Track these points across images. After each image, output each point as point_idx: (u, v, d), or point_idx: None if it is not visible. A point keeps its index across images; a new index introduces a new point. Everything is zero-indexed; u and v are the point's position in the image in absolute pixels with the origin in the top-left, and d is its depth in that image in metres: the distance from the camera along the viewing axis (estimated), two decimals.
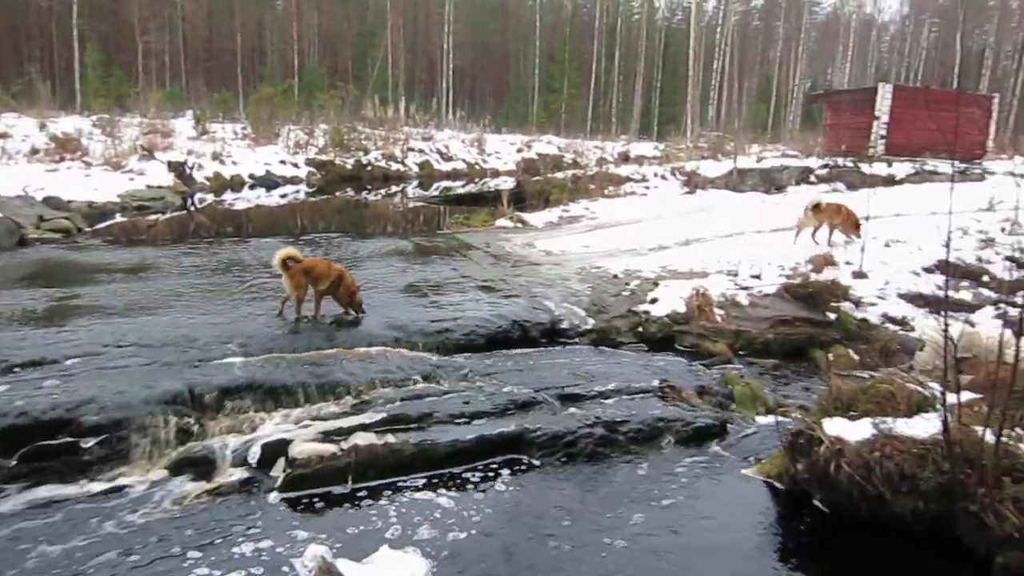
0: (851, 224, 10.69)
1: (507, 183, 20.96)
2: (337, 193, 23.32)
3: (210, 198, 20.26)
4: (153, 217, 15.71)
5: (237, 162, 24.07)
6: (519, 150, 35.82)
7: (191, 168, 20.97)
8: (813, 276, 9.09)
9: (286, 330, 6.65)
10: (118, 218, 15.40)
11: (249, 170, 23.93)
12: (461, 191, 23.62)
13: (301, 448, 4.84)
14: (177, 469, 4.80)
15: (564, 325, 7.74)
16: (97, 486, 4.60)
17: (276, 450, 4.92)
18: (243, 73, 55.23)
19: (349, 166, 27.69)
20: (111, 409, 4.90)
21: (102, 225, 14.24)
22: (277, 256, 6.78)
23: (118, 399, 5.00)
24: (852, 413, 4.97)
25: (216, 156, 23.53)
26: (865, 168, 20.72)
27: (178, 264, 9.28)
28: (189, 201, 18.80)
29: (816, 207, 10.87)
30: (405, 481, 4.83)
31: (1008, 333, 5.07)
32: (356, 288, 7.10)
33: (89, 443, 4.72)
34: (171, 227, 14.76)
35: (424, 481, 4.85)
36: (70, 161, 18.68)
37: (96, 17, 51.78)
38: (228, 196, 21.14)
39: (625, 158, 34.06)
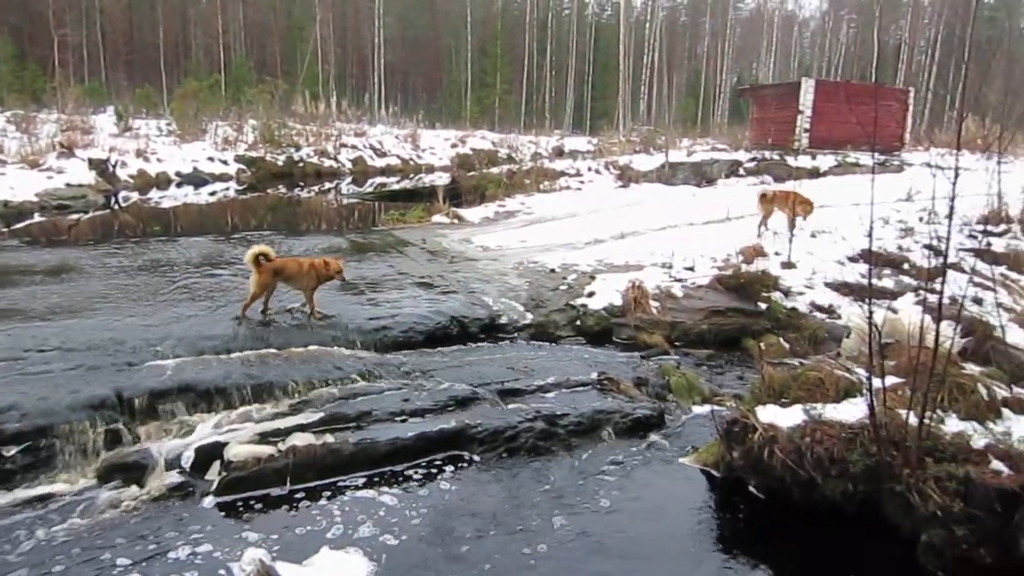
0: (806, 206, 10.93)
1: (442, 179, 20.85)
2: (269, 190, 22.89)
3: (135, 197, 19.64)
4: (75, 217, 15.18)
5: (163, 159, 23.40)
6: (453, 145, 35.71)
7: (114, 166, 20.29)
8: (744, 267, 9.31)
9: (219, 331, 6.48)
10: (37, 218, 14.84)
11: (176, 167, 23.29)
12: (396, 187, 23.41)
13: (237, 450, 4.73)
14: (107, 476, 4.64)
15: (503, 320, 7.75)
16: (21, 495, 4.42)
17: (211, 453, 4.80)
18: (167, 68, 53.53)
19: (280, 163, 27.18)
20: (34, 416, 4.71)
21: (20, 225, 13.70)
22: (250, 252, 6.65)
23: (41, 405, 4.81)
24: (784, 400, 5.11)
25: (140, 153, 22.83)
26: (791, 161, 21.35)
27: (103, 265, 8.95)
28: (113, 200, 18.20)
29: (763, 196, 11.15)
30: (345, 481, 4.77)
31: (928, 319, 5.29)
32: (340, 269, 6.97)
33: (11, 451, 4.53)
34: (94, 227, 14.28)
35: (364, 480, 4.80)
36: None
37: (7, 8, 49.56)
38: (154, 194, 20.53)
39: (559, 153, 34.33)
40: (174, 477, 4.69)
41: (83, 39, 51.60)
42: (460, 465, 5.07)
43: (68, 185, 17.51)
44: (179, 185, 22.45)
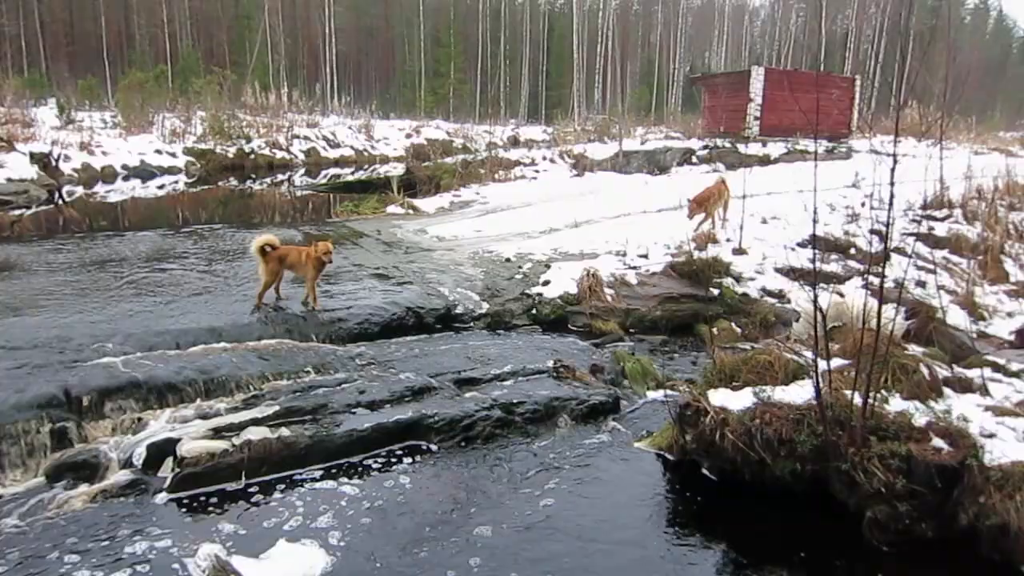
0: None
1: (397, 169, 20.71)
2: (219, 183, 22.56)
3: (80, 191, 19.17)
4: (17, 212, 14.75)
5: (108, 152, 22.86)
6: (408, 136, 35.52)
7: (57, 159, 19.73)
8: (697, 254, 9.44)
9: (169, 326, 6.37)
10: None
11: (122, 160, 22.78)
12: (350, 178, 23.21)
13: (190, 446, 4.67)
14: (55, 475, 4.56)
15: (459, 310, 7.76)
16: None
17: (163, 450, 4.73)
18: (110, 58, 52.24)
19: (231, 155, 26.78)
20: None
21: None
22: (255, 242, 6.74)
23: None
24: (735, 384, 5.22)
25: (85, 146, 22.27)
26: (742, 148, 21.65)
27: (47, 262, 8.72)
28: (57, 194, 17.70)
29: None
30: (301, 474, 4.75)
31: (873, 302, 5.44)
32: (328, 250, 6.91)
33: None
34: (38, 223, 13.91)
35: (321, 473, 4.78)
36: None
37: None
38: (100, 188, 20.06)
39: (515, 142, 34.37)
40: (126, 475, 4.63)
41: (21, 29, 50.07)
42: (417, 455, 5.09)
43: (9, 180, 16.96)
44: (126, 179, 21.97)
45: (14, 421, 4.67)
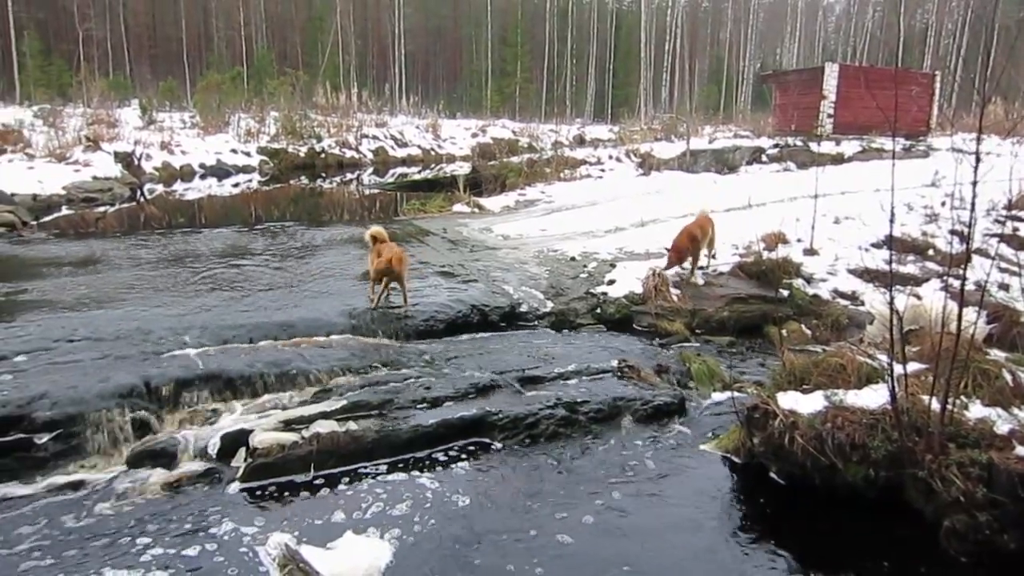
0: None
1: (463, 168, 20.89)
2: (291, 181, 23.11)
3: (160, 189, 19.91)
4: (101, 209, 15.41)
5: (187, 151, 23.68)
6: (474, 135, 35.76)
7: (139, 158, 20.55)
8: (766, 254, 9.25)
9: (243, 320, 6.56)
10: (65, 211, 15.07)
11: (199, 159, 23.57)
12: (417, 177, 23.51)
13: (262, 438, 4.81)
14: (136, 463, 4.74)
15: (523, 308, 7.78)
16: (53, 482, 4.52)
17: (236, 440, 4.88)
18: (189, 60, 54.13)
19: (302, 154, 27.40)
20: (65, 404, 4.81)
21: (48, 218, 13.94)
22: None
23: (71, 394, 4.91)
24: (805, 386, 5.10)
25: (165, 146, 23.11)
26: (814, 147, 21.12)
27: (129, 256, 9.10)
28: (138, 192, 18.45)
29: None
30: (367, 468, 4.83)
31: (952, 304, 5.25)
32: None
33: (43, 439, 4.64)
34: (121, 219, 14.50)
35: (387, 467, 4.85)
36: (11, 153, 18.13)
37: (33, 4, 50.23)
38: (179, 186, 20.78)
39: (580, 141, 34.28)
40: (201, 464, 4.78)
41: (107, 33, 52.25)
42: (481, 452, 5.12)
43: (95, 178, 17.75)
44: (203, 177, 22.72)
45: (99, 409, 4.87)
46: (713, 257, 9.27)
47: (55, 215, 14.43)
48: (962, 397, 4.60)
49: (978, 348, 5.41)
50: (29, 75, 39.02)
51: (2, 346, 5.64)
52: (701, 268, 8.90)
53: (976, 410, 4.54)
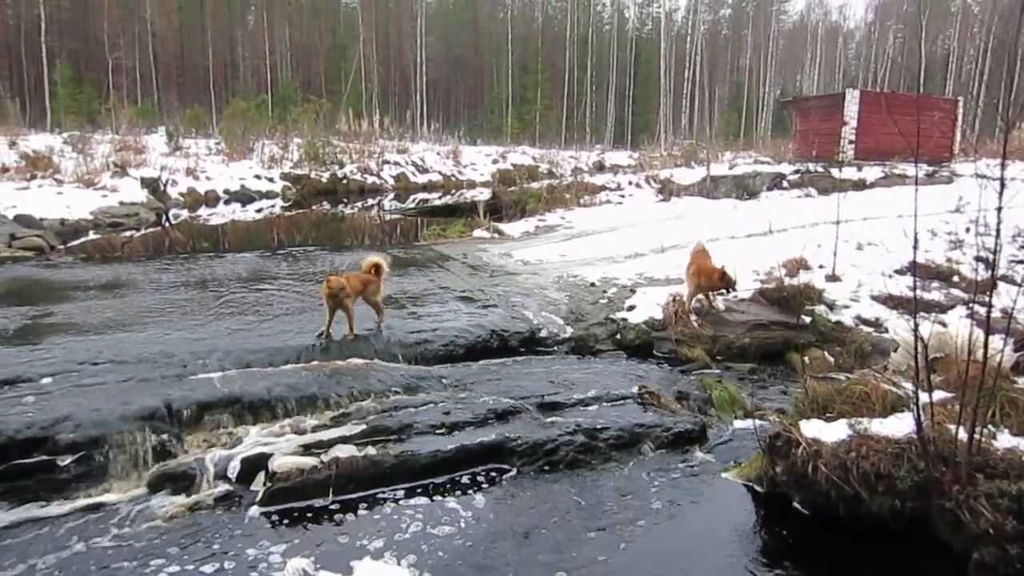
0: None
1: (483, 194, 21.02)
2: (313, 207, 23.34)
3: (185, 214, 20.17)
4: (128, 233, 15.63)
5: (211, 177, 24.02)
6: (494, 161, 36.01)
7: (165, 184, 20.88)
8: (787, 280, 9.18)
9: (264, 344, 6.61)
10: (91, 235, 15.31)
11: (224, 185, 23.89)
12: (438, 203, 23.67)
13: (281, 462, 4.81)
14: (156, 485, 4.77)
15: (543, 334, 7.76)
16: (75, 504, 4.56)
17: (256, 464, 4.89)
18: (215, 88, 55.02)
19: (325, 179, 27.71)
20: (87, 426, 4.86)
21: (76, 242, 14.16)
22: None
23: (94, 416, 4.95)
24: (828, 414, 5.04)
25: (190, 172, 23.46)
26: (836, 173, 21.02)
27: (154, 280, 9.20)
28: (164, 217, 18.71)
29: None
30: (386, 493, 4.82)
31: (978, 332, 5.17)
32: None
33: (66, 461, 4.68)
34: (146, 243, 14.69)
35: (405, 492, 4.84)
36: (41, 179, 18.49)
37: (65, 34, 51.47)
38: (203, 211, 21.05)
39: (600, 167, 34.39)
40: (221, 487, 4.80)
41: (136, 62, 53.33)
42: (500, 477, 5.09)
43: (121, 203, 18.06)
44: (227, 202, 23.02)
45: (121, 432, 4.91)
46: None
47: (82, 239, 14.65)
48: (990, 426, 4.52)
49: (1005, 376, 5.33)
50: (60, 103, 39.82)
51: (28, 368, 5.72)
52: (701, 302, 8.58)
53: (1004, 439, 4.46)
